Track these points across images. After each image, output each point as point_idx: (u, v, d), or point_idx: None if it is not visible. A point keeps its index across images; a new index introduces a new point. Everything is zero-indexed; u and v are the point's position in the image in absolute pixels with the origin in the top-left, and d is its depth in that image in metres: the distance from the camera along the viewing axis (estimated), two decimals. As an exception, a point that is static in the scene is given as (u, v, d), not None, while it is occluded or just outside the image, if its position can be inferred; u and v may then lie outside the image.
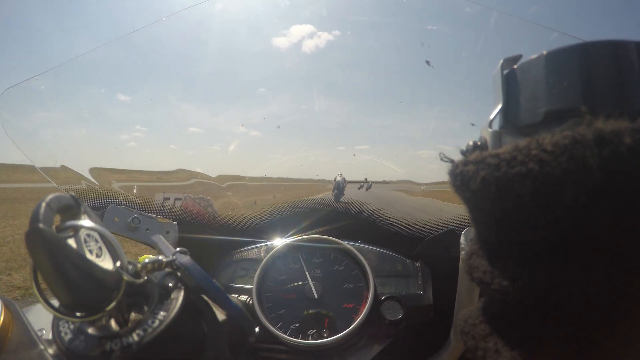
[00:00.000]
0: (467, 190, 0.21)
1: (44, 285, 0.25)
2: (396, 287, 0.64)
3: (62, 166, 0.69)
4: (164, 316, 0.29)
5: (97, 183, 0.69)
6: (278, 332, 0.56)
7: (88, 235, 0.27)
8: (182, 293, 0.31)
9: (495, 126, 0.24)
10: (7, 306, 0.36)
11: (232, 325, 0.35)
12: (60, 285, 0.24)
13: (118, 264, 0.28)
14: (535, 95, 0.21)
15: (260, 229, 0.76)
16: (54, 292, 0.24)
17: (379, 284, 0.63)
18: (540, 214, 0.18)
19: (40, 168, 0.66)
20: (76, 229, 0.26)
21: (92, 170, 0.69)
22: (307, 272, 0.64)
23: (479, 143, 0.24)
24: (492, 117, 0.24)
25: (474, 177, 0.20)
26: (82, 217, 0.28)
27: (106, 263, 0.27)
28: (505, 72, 0.24)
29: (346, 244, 0.66)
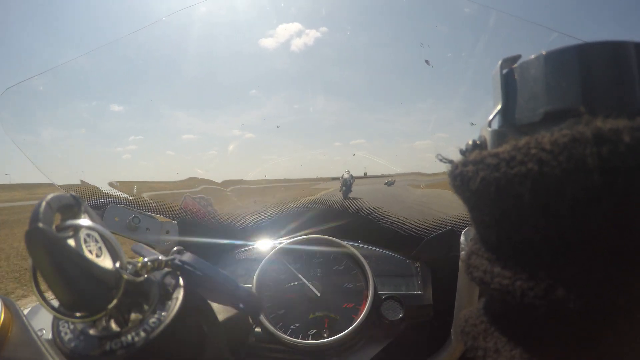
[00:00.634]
0: (467, 190, 0.21)
1: (43, 286, 0.25)
2: (396, 287, 0.64)
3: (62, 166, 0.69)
4: (164, 316, 0.29)
5: (97, 184, 0.69)
6: (278, 332, 0.56)
7: (88, 235, 0.27)
8: (182, 293, 0.31)
9: (495, 126, 0.24)
10: (7, 306, 0.36)
11: (232, 325, 0.35)
12: (60, 285, 0.24)
13: (118, 263, 0.28)
14: (535, 95, 0.21)
15: (260, 229, 0.76)
16: (54, 292, 0.24)
17: (379, 283, 0.63)
18: (539, 214, 0.18)
19: (40, 167, 0.66)
20: (76, 229, 0.26)
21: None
22: (307, 272, 0.64)
23: (478, 142, 0.24)
24: (491, 116, 0.24)
25: (474, 177, 0.20)
26: (82, 216, 0.28)
27: (106, 263, 0.27)
28: (504, 71, 0.24)
29: (346, 243, 0.66)
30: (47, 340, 0.33)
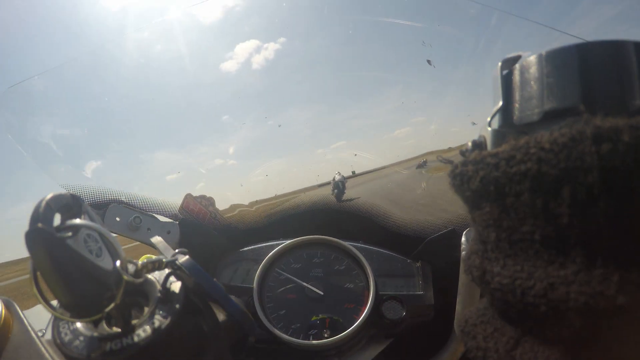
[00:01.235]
0: (467, 190, 0.21)
1: (43, 286, 0.25)
2: (397, 287, 0.64)
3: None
4: (165, 316, 0.29)
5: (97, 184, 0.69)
6: (279, 333, 0.56)
7: (88, 235, 0.27)
8: (182, 293, 0.31)
9: (495, 125, 0.24)
10: (7, 307, 0.36)
11: (232, 325, 0.35)
12: (60, 285, 0.24)
13: (118, 263, 0.28)
14: (534, 95, 0.21)
15: (262, 229, 0.76)
16: (54, 293, 0.24)
17: (380, 284, 0.63)
18: (539, 213, 0.18)
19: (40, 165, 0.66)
20: (76, 229, 0.26)
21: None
22: (308, 273, 0.64)
23: (478, 142, 0.24)
24: (491, 116, 0.24)
25: (474, 176, 0.20)
26: (83, 216, 0.28)
27: (106, 263, 0.27)
28: (504, 71, 0.24)
29: (347, 244, 0.66)
30: (48, 341, 0.33)
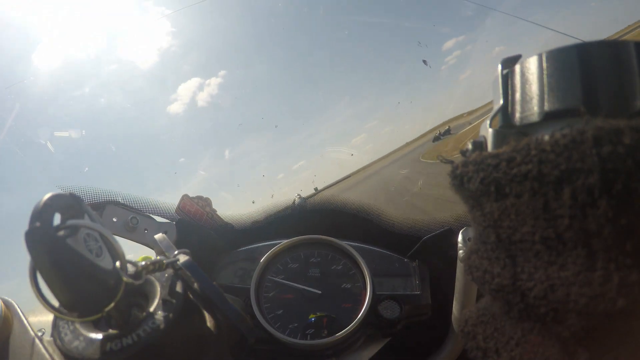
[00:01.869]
0: (467, 190, 0.21)
1: (43, 286, 0.25)
2: (394, 287, 0.64)
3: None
4: (165, 316, 0.29)
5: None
6: (277, 333, 0.56)
7: (88, 235, 0.26)
8: (182, 293, 0.31)
9: (495, 126, 0.24)
10: (7, 306, 0.36)
11: (232, 326, 0.35)
12: (60, 284, 0.23)
13: (118, 264, 0.28)
14: (535, 95, 0.21)
15: (259, 229, 0.76)
16: (54, 292, 0.24)
17: (377, 283, 0.63)
18: (539, 214, 0.18)
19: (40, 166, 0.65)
20: (76, 228, 0.25)
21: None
22: (305, 273, 0.64)
23: (478, 142, 0.24)
24: (491, 116, 0.24)
25: (474, 177, 0.21)
26: (82, 216, 0.27)
27: (106, 262, 0.27)
28: (504, 72, 0.24)
29: (344, 244, 0.66)
30: (47, 341, 0.33)
